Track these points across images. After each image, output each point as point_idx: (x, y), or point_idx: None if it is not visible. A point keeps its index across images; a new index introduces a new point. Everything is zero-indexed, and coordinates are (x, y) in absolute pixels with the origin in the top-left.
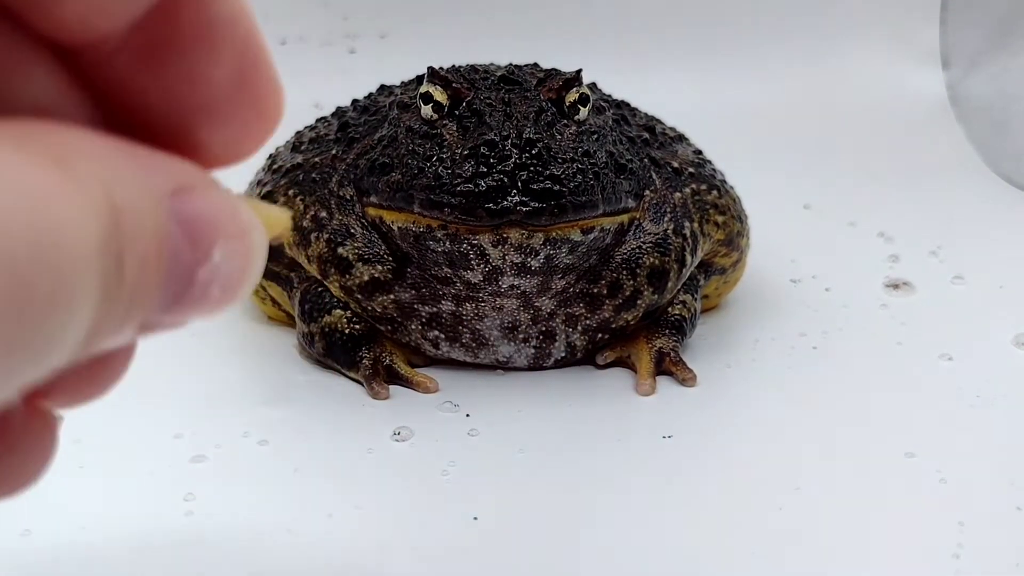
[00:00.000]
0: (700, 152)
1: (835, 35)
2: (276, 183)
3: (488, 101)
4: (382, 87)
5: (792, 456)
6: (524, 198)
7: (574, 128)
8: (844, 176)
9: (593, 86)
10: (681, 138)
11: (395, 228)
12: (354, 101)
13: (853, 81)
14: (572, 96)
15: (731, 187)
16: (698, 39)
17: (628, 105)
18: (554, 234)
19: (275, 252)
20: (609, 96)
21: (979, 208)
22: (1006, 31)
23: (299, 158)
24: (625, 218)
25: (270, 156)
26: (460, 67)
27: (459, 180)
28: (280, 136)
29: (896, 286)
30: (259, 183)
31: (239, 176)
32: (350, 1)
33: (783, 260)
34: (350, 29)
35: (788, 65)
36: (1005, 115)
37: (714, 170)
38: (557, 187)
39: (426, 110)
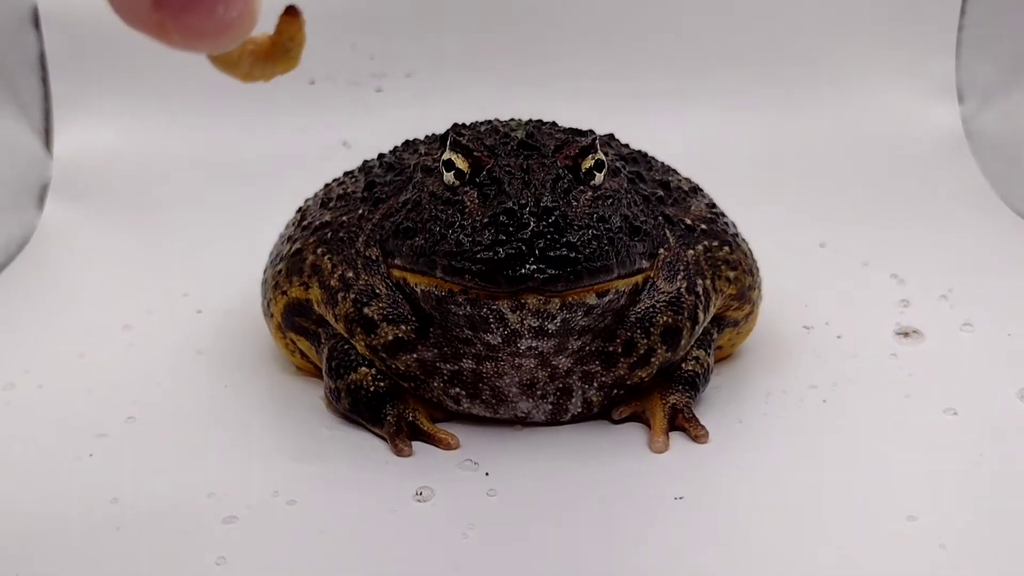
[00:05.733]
0: (714, 205)
1: (849, 69)
2: (305, 240)
3: (507, 168)
4: (407, 142)
5: (799, 519)
6: (541, 265)
7: (590, 194)
8: (859, 211)
9: (611, 138)
10: (696, 190)
11: (418, 290)
12: (380, 155)
13: (868, 115)
14: (588, 163)
15: (743, 240)
16: (711, 76)
17: (645, 157)
18: (570, 299)
19: (304, 308)
20: (626, 147)
21: (992, 246)
22: (1022, 65)
23: (327, 215)
24: (639, 278)
25: (300, 210)
26: (481, 126)
27: (479, 248)
28: (310, 185)
29: (906, 334)
30: (289, 238)
31: (264, 215)
32: (376, 41)
33: (797, 304)
34: (377, 69)
35: (801, 99)
36: (1020, 150)
37: (727, 223)
38: (573, 254)
39: (448, 176)
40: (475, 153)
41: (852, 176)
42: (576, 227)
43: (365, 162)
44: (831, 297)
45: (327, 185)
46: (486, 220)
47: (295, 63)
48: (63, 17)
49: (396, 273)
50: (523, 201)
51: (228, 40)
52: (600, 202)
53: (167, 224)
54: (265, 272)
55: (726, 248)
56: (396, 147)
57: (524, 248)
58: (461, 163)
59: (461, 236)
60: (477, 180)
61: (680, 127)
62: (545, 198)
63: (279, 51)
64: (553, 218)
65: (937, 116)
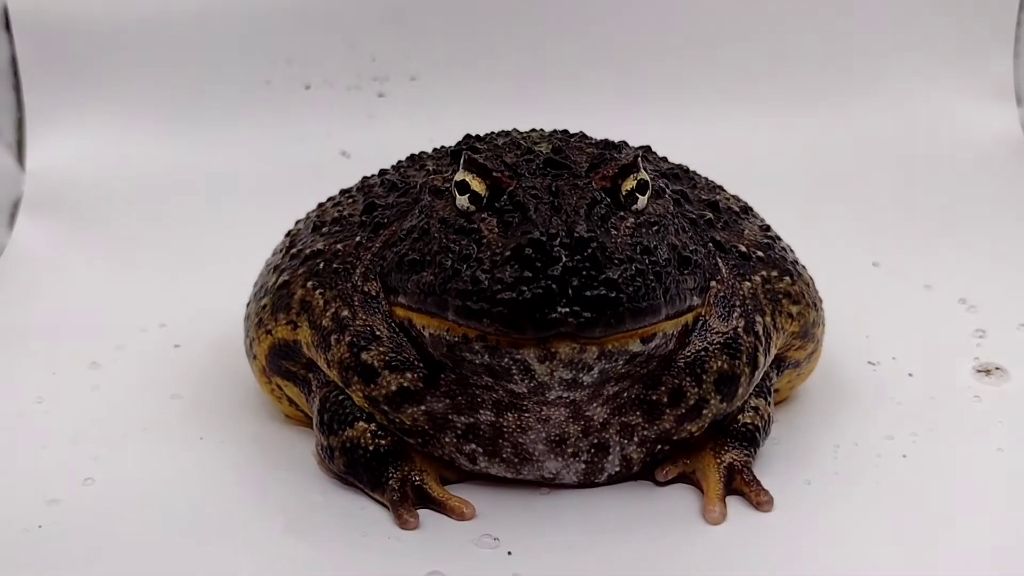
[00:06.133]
0: (768, 228)
1: (898, 70)
2: (294, 271)
3: (533, 191)
4: (412, 157)
5: None
6: (575, 308)
7: (632, 220)
8: (913, 227)
9: (647, 151)
10: (746, 210)
11: (426, 334)
12: (382, 172)
13: (919, 120)
14: (629, 184)
15: (803, 268)
16: (749, 76)
17: (687, 173)
18: (610, 346)
19: (292, 351)
20: (664, 160)
21: None
22: None
23: (320, 243)
24: (689, 317)
25: (289, 233)
26: (498, 139)
27: (500, 287)
28: (306, 201)
29: (987, 371)
30: (276, 268)
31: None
32: (378, 42)
33: (858, 337)
34: (378, 72)
35: (846, 103)
36: None
37: (784, 249)
38: (614, 294)
39: (462, 200)
40: (494, 173)
41: (903, 187)
42: (616, 261)
43: (364, 179)
44: (895, 326)
45: (320, 205)
46: (508, 253)
47: None
48: (36, 20)
49: (400, 312)
50: (552, 230)
51: None
52: (644, 230)
53: (147, 244)
54: (248, 306)
55: (787, 278)
56: (400, 162)
57: (555, 287)
58: (477, 185)
59: (478, 272)
60: (496, 205)
61: (713, 133)
62: (579, 227)
63: None
64: (589, 251)
65: (994, 120)
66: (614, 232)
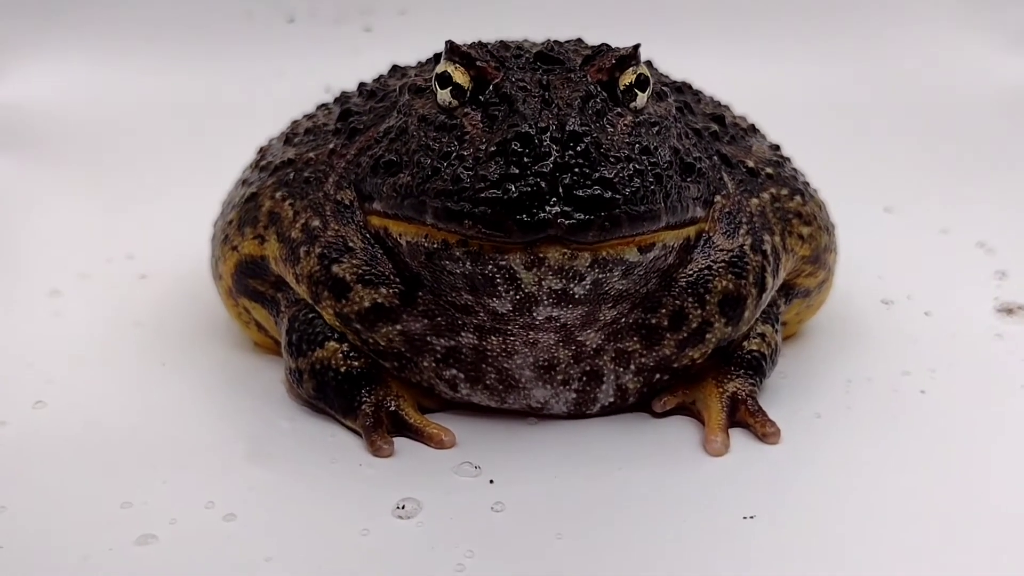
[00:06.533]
0: (777, 148)
1: (916, 15)
2: (263, 183)
3: (521, 84)
4: (394, 68)
5: (903, 549)
6: (566, 208)
7: (630, 118)
8: (928, 173)
9: (650, 65)
10: (754, 129)
11: (403, 242)
12: (361, 84)
13: (934, 66)
14: (628, 78)
15: (815, 191)
16: (757, 11)
17: (691, 88)
18: (604, 253)
19: (259, 268)
20: (667, 77)
21: None
22: None
23: (291, 152)
24: (692, 231)
25: (260, 149)
26: (487, 43)
27: (483, 184)
28: (278, 127)
29: (1009, 311)
30: (244, 182)
31: (231, 171)
32: None
33: (869, 276)
34: (366, 4)
35: (861, 44)
36: None
37: (795, 170)
38: (609, 194)
39: (443, 95)
40: (479, 62)
41: (917, 133)
42: (613, 159)
43: (343, 92)
44: (909, 268)
45: (294, 121)
46: (493, 148)
47: None
48: None
49: (375, 221)
50: (543, 124)
51: None
52: (644, 129)
53: (118, 179)
54: (215, 225)
55: (798, 198)
56: (381, 75)
57: (544, 185)
58: (460, 76)
59: (460, 169)
60: (481, 98)
61: (723, 77)
62: (571, 120)
63: None
64: (583, 146)
65: (1010, 65)
66: (610, 129)
